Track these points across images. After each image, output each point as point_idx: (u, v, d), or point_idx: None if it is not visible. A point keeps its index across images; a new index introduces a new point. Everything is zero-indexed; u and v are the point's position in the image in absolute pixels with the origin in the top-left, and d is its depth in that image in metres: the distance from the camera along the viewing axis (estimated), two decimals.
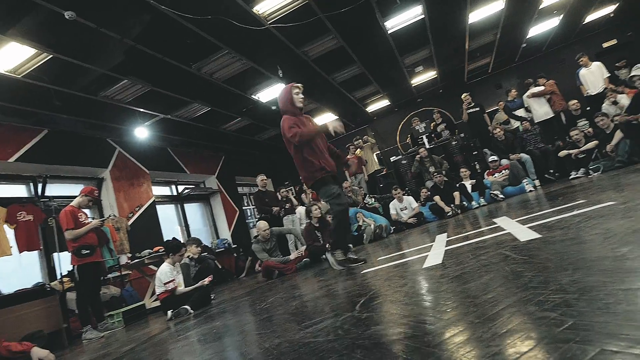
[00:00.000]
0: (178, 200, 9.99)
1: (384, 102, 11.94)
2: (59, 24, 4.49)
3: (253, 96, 8.25)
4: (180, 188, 10.14)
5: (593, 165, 6.02)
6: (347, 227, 4.14)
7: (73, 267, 4.88)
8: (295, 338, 1.75)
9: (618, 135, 5.80)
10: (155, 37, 5.45)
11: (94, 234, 5.05)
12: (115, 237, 6.93)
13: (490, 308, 1.29)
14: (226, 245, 10.11)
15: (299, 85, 3.98)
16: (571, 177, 6.35)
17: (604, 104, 7.16)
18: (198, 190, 10.43)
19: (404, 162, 9.43)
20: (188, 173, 10.06)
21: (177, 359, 2.29)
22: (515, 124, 8.87)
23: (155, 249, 6.62)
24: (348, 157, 9.96)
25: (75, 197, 5.33)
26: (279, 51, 6.79)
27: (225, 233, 10.69)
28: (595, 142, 6.22)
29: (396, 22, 7.09)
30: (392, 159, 9.92)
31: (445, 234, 4.25)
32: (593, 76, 7.86)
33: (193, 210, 10.53)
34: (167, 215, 9.42)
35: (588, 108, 7.84)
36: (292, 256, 6.07)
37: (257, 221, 7.52)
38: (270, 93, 8.35)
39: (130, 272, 6.89)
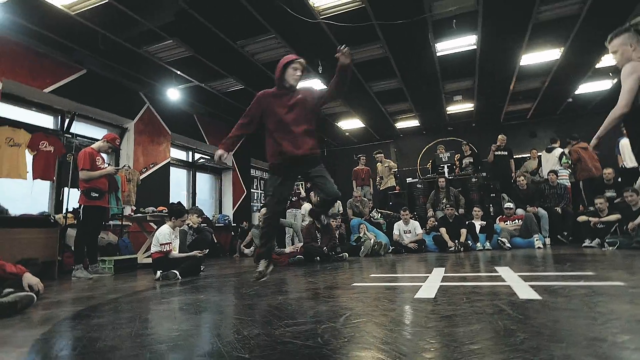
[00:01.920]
0: (191, 167, 10.10)
1: (414, 122, 11.85)
2: None
3: None
4: (197, 156, 10.25)
5: (610, 239, 5.84)
6: (273, 234, 3.41)
7: (80, 205, 4.98)
8: (274, 333, 1.75)
9: None
10: (208, 5, 5.49)
11: (106, 180, 5.16)
12: (125, 187, 7.04)
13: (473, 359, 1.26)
14: (227, 221, 10.17)
15: (301, 60, 3.24)
16: (584, 244, 6.19)
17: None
18: (212, 163, 10.49)
19: (419, 185, 9.33)
20: (207, 143, 10.15)
21: (157, 322, 2.30)
22: (545, 176, 8.51)
23: (160, 208, 6.71)
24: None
25: (97, 139, 5.48)
26: (323, 47, 6.77)
27: (229, 210, 10.77)
28: (618, 216, 6.03)
29: (447, 46, 7.02)
30: (408, 180, 9.83)
31: (444, 268, 4.19)
32: None
33: (203, 180, 10.63)
34: (177, 179, 9.54)
35: (619, 179, 7.61)
36: (288, 249, 6.10)
37: (261, 207, 7.53)
38: (304, 86, 8.32)
39: (130, 224, 7.01)
